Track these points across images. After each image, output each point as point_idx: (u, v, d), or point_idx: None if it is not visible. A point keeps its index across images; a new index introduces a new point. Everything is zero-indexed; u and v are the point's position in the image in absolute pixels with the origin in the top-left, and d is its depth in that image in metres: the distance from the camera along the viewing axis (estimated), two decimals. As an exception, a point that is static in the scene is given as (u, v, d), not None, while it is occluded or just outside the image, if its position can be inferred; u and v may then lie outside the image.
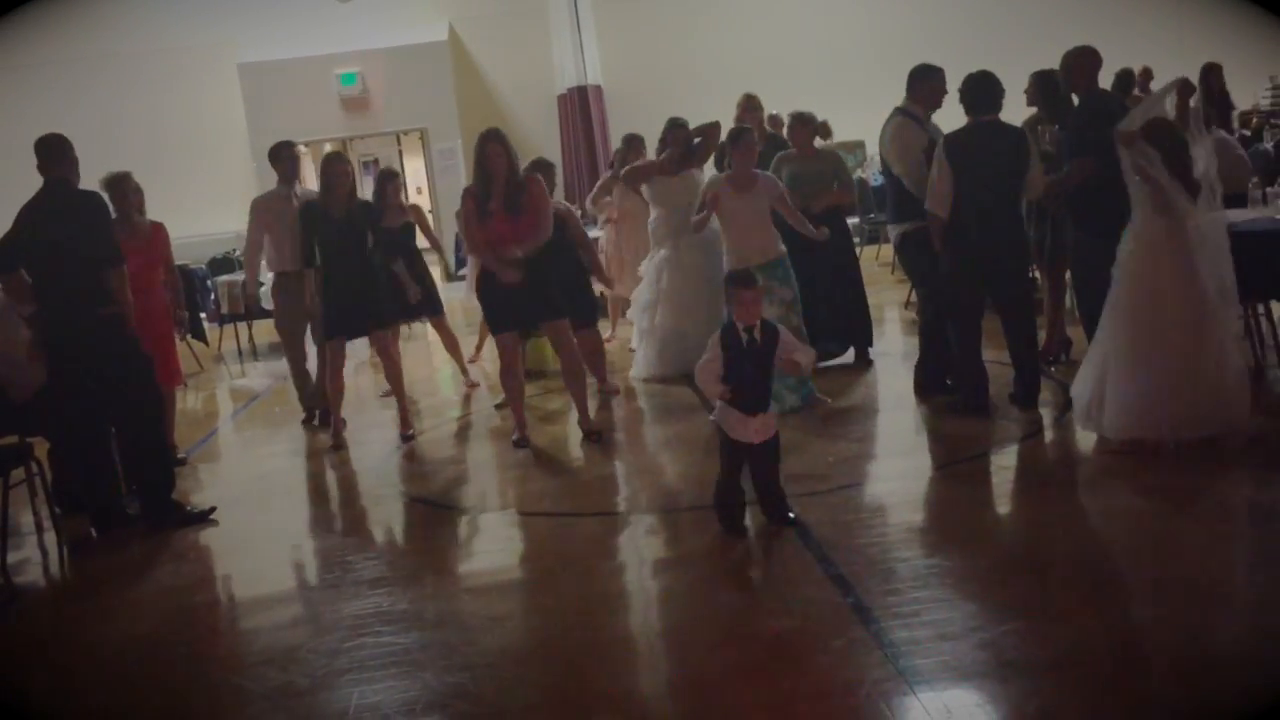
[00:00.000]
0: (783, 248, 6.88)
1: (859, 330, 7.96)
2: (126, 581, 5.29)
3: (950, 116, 6.38)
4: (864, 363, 7.95)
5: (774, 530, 4.77)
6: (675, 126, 8.02)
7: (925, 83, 6.64)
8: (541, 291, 6.57)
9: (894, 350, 8.60)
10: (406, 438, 7.30)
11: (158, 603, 4.90)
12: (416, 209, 9.12)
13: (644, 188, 8.15)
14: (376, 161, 20.63)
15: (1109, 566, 4.16)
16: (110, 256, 5.81)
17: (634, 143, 9.06)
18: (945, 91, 6.62)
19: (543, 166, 7.65)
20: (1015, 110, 7.41)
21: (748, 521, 4.88)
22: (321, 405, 7.88)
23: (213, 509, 6.03)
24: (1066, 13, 15.31)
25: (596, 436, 6.75)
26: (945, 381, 6.62)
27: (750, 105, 8.64)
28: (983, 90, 6.08)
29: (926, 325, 6.76)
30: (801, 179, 7.66)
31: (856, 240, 14.26)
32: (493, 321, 6.81)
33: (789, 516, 4.81)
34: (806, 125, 7.92)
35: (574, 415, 6.95)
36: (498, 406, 7.73)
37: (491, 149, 6.37)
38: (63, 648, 4.53)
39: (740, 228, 6.79)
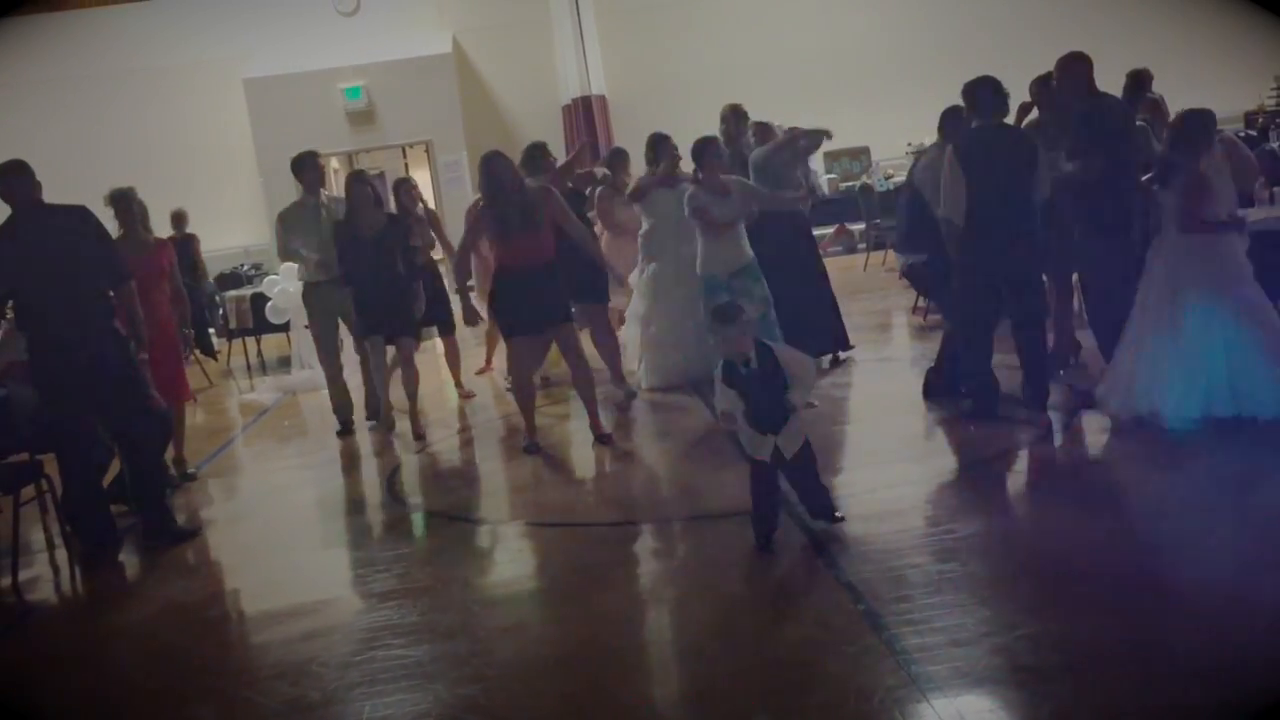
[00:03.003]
0: (751, 253, 7.03)
1: (827, 333, 8.11)
2: (137, 597, 5.30)
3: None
4: (834, 364, 8.12)
5: (784, 537, 4.74)
6: (662, 140, 8.06)
7: (960, 125, 6.66)
8: (552, 295, 6.69)
9: (901, 355, 8.59)
10: (419, 438, 7.49)
11: (169, 618, 4.90)
12: (433, 215, 9.15)
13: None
14: (382, 174, 20.66)
15: (1122, 569, 4.14)
16: (120, 274, 5.75)
17: (620, 156, 9.12)
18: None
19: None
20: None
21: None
22: (349, 416, 7.97)
23: (199, 529, 6.08)
24: (1066, 16, 15.32)
25: (608, 439, 6.78)
26: (955, 388, 6.61)
27: (735, 115, 8.64)
28: (989, 94, 6.08)
29: (948, 334, 6.78)
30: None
31: (862, 245, 14.40)
32: (507, 327, 6.86)
33: (836, 514, 4.78)
34: (767, 131, 8.25)
35: (583, 420, 6.97)
36: (508, 388, 7.85)
37: (503, 166, 6.58)
38: (75, 664, 4.53)
39: (721, 238, 6.90)
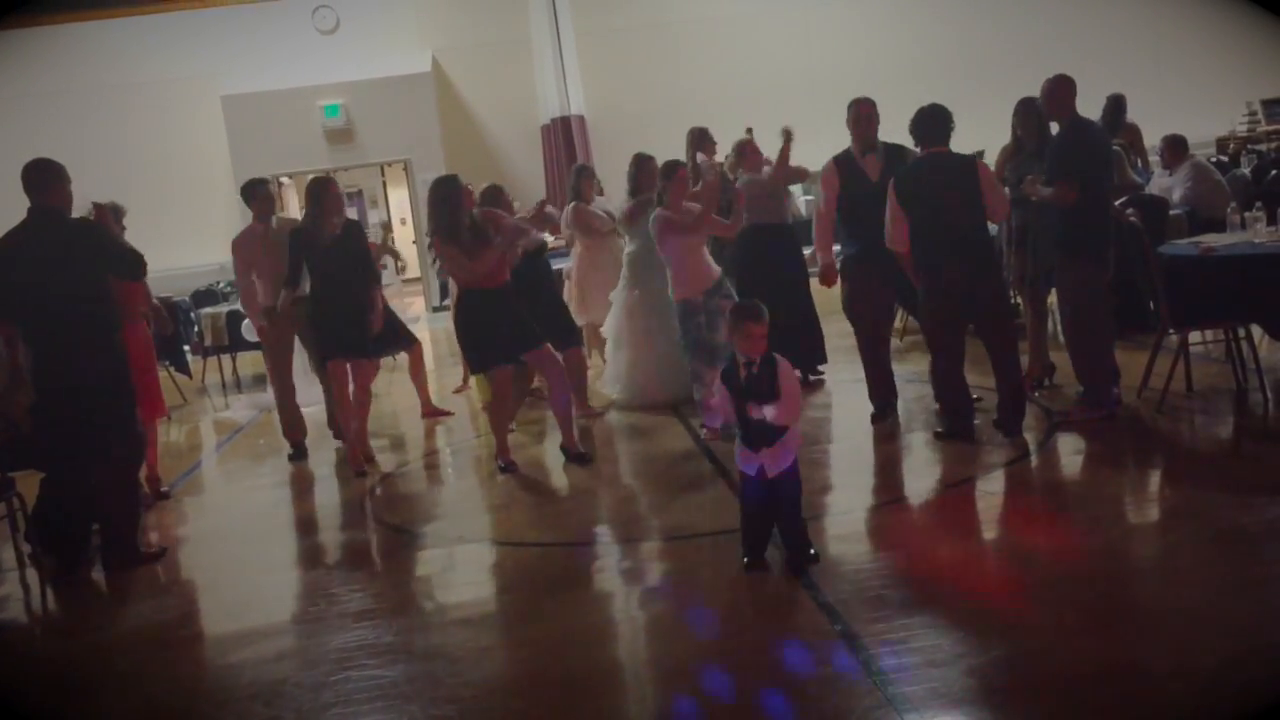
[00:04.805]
0: (719, 269, 7.08)
1: (807, 350, 8.10)
2: (109, 616, 5.24)
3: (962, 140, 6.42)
4: (815, 382, 8.15)
5: (760, 561, 4.74)
6: (645, 160, 8.07)
7: (849, 116, 6.83)
8: (519, 323, 6.69)
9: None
10: (369, 460, 7.39)
11: (141, 638, 4.86)
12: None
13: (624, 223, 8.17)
14: (360, 192, 20.64)
15: (1097, 592, 4.16)
16: (136, 268, 5.77)
17: (585, 173, 9.14)
18: (859, 121, 6.75)
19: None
20: (1000, 137, 7.52)
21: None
22: (300, 439, 7.89)
23: (165, 550, 5.99)
24: (1039, 41, 15.50)
25: (581, 458, 6.77)
26: (887, 397, 6.90)
27: (702, 138, 8.64)
28: (929, 123, 6.18)
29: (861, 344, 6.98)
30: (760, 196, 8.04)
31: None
32: (479, 362, 6.85)
33: (810, 554, 4.66)
34: (754, 156, 8.25)
35: (553, 441, 6.96)
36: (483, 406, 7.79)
37: (466, 193, 6.71)
38: (45, 685, 4.48)
39: (688, 259, 6.92)
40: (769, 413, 4.50)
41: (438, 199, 6.62)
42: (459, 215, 6.58)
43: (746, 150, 8.21)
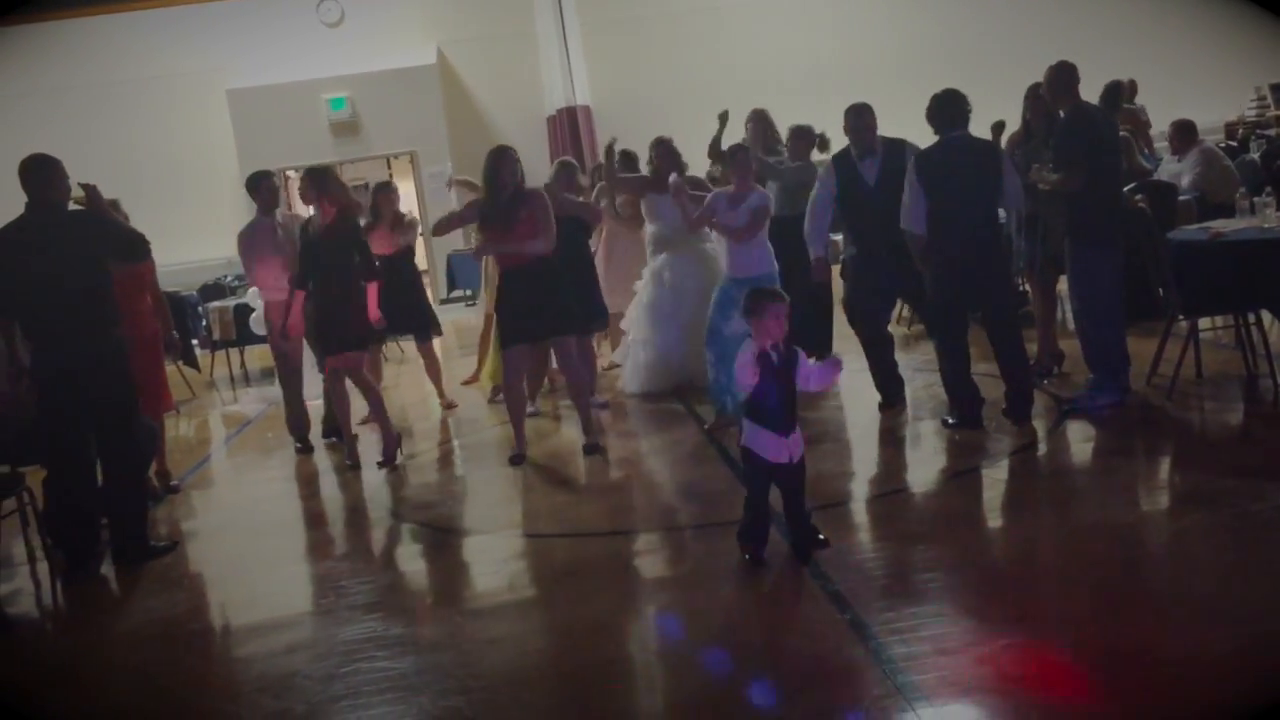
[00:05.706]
0: (774, 265, 6.91)
1: (821, 338, 8.08)
2: (119, 611, 5.26)
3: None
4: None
5: (771, 546, 4.73)
6: (662, 143, 8.04)
7: (845, 123, 6.77)
8: (556, 304, 6.66)
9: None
10: (387, 462, 7.19)
11: (151, 632, 4.87)
12: (412, 222, 9.09)
13: (641, 202, 8.15)
14: (366, 185, 20.61)
15: (1106, 578, 4.15)
16: (138, 248, 5.78)
17: (629, 160, 9.10)
18: (855, 128, 6.67)
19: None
20: (1010, 125, 7.48)
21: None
22: (306, 433, 7.90)
23: (176, 544, 6.02)
24: (1047, 27, 15.44)
25: (598, 449, 6.78)
26: (894, 388, 6.94)
27: (759, 119, 8.60)
28: (948, 108, 6.15)
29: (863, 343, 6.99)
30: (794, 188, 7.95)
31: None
32: (507, 335, 6.82)
33: (820, 538, 4.68)
34: (803, 138, 8.15)
35: (565, 431, 6.96)
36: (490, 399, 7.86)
37: (507, 160, 6.58)
38: (56, 679, 4.49)
39: (741, 242, 6.83)
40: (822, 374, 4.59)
41: (484, 169, 6.65)
42: (497, 181, 6.56)
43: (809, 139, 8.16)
